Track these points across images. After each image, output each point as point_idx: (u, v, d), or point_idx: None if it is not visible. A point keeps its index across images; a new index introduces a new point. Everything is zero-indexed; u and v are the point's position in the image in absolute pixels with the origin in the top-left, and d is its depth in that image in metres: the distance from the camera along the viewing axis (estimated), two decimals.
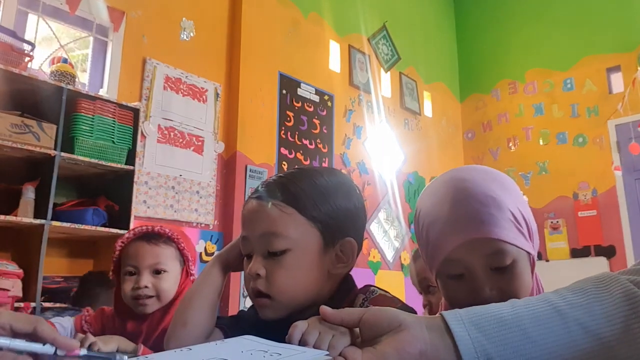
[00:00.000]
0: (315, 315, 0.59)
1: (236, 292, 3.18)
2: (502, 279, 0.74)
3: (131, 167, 2.68)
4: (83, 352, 0.64)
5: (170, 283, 1.27)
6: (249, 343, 0.60)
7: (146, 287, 1.24)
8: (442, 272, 0.78)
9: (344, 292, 0.84)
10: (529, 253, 0.76)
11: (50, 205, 2.37)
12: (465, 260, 0.75)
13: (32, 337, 0.62)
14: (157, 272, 1.26)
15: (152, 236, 1.29)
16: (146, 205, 2.99)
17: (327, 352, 0.54)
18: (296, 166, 3.66)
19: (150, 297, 1.24)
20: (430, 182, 0.85)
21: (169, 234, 1.30)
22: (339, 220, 0.82)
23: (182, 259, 1.32)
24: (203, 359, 0.55)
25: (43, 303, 2.34)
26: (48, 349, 0.61)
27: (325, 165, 4.05)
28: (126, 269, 1.27)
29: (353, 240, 0.84)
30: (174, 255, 1.30)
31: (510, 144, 5.37)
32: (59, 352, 0.62)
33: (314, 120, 4.08)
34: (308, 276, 0.80)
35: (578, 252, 4.75)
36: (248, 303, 0.85)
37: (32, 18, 2.83)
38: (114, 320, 1.30)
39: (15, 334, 0.62)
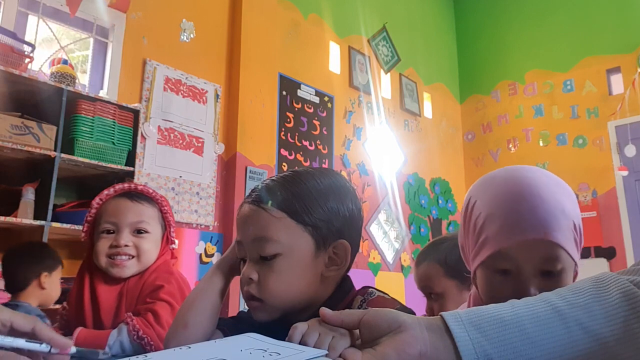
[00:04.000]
0: (314, 317, 0.60)
1: (236, 294, 3.17)
2: (548, 283, 0.74)
3: (131, 169, 2.68)
4: (73, 350, 0.67)
5: (151, 245, 1.17)
6: (249, 341, 0.60)
7: (126, 245, 1.13)
8: (488, 264, 0.77)
9: (342, 293, 0.84)
10: (575, 264, 0.77)
11: (50, 207, 2.37)
12: (517, 258, 0.74)
13: (30, 335, 0.65)
14: (139, 231, 1.15)
15: (135, 194, 1.19)
16: None
17: (326, 352, 0.54)
18: (296, 167, 3.66)
19: (130, 257, 1.14)
20: (485, 176, 0.84)
21: (153, 194, 1.21)
22: (331, 223, 0.82)
23: (163, 222, 1.22)
24: (202, 358, 0.55)
25: None
26: (44, 348, 0.64)
27: (325, 166, 4.05)
28: (104, 226, 1.15)
29: (346, 242, 0.83)
30: (156, 217, 1.20)
31: (510, 145, 5.38)
32: (53, 351, 0.65)
33: (314, 121, 4.08)
34: (300, 280, 0.80)
35: None
36: None
37: (32, 19, 2.83)
38: (81, 296, 1.15)
39: (14, 332, 0.65)
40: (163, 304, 1.10)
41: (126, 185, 1.21)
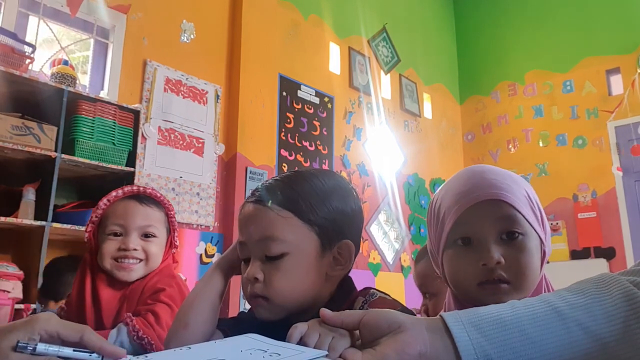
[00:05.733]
0: (315, 317, 0.60)
1: (236, 295, 3.18)
2: (510, 248, 0.75)
3: (132, 169, 2.68)
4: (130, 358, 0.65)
5: (158, 249, 1.17)
6: (249, 342, 0.60)
7: (135, 249, 1.13)
8: (450, 240, 0.78)
9: (343, 294, 0.84)
10: (540, 239, 0.77)
11: (51, 207, 2.38)
12: (475, 222, 0.76)
13: (79, 345, 0.62)
14: (146, 235, 1.16)
15: (143, 197, 1.18)
16: None
17: (326, 353, 0.54)
18: (296, 168, 3.66)
19: (139, 261, 1.14)
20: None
21: (161, 198, 1.21)
22: (336, 223, 0.82)
23: (169, 227, 1.22)
24: (202, 358, 0.55)
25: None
26: (95, 358, 0.61)
27: (325, 167, 4.05)
28: (111, 228, 1.14)
29: (350, 242, 0.84)
30: (163, 221, 1.20)
31: (510, 146, 5.38)
32: None
33: (314, 122, 4.09)
34: (306, 279, 0.80)
35: (578, 254, 4.74)
36: (248, 305, 0.86)
37: (33, 20, 2.83)
38: (82, 297, 1.13)
39: (63, 343, 0.61)
40: (163, 306, 1.10)
41: (134, 187, 1.20)
